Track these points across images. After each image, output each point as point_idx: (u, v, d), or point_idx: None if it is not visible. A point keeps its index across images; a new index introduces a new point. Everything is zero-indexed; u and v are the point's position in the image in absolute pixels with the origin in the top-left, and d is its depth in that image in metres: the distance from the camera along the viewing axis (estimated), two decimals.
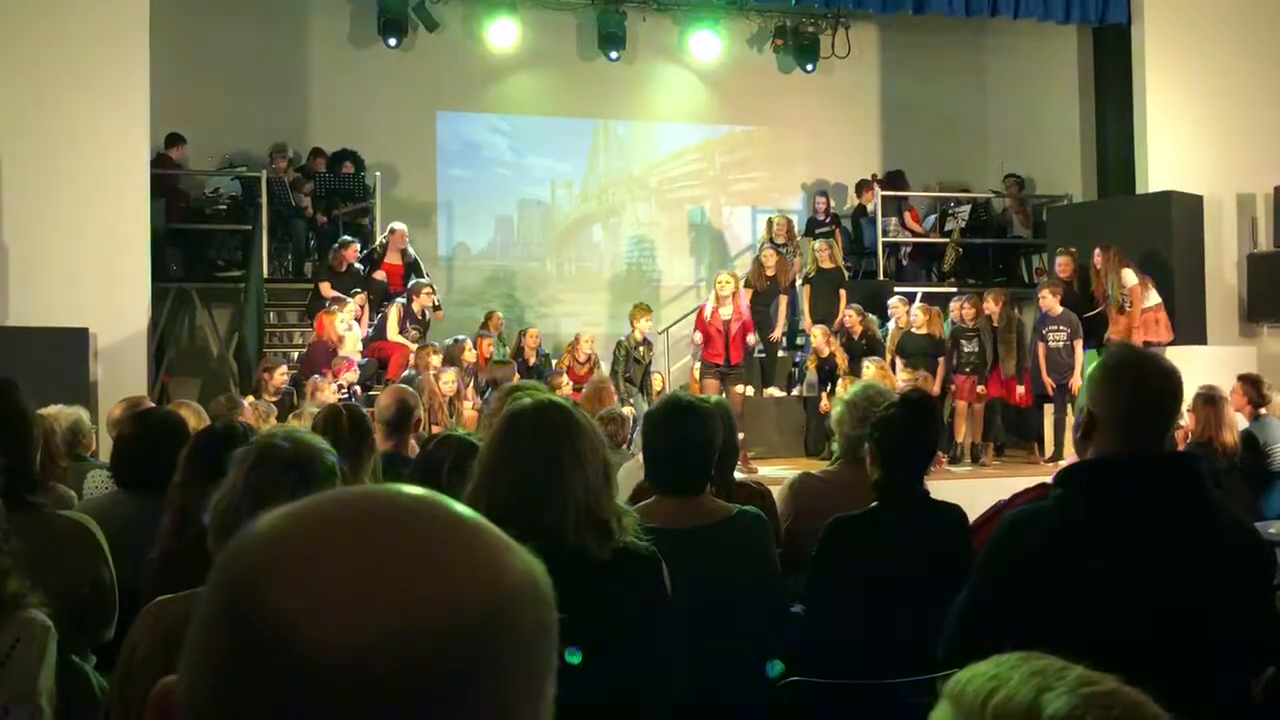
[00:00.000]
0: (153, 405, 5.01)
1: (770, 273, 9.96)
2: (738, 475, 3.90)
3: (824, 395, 9.26)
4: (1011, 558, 1.96)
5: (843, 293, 10.14)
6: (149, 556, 2.45)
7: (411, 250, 10.26)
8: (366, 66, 11.87)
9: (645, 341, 9.67)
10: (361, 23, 11.94)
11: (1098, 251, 9.12)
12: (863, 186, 12.41)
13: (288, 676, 0.53)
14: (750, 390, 9.29)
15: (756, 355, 9.69)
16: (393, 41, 11.75)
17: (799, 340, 10.63)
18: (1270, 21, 10.50)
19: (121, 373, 8.01)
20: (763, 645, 2.67)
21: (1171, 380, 2.01)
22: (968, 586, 2.01)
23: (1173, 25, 10.35)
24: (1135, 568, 1.87)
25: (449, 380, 8.01)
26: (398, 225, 10.20)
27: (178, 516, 2.44)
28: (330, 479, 1.90)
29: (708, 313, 8.92)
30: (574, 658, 1.67)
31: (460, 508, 0.62)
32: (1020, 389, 9.23)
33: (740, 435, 8.40)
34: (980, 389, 9.17)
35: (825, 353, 9.43)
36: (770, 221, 11.05)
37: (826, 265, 10.21)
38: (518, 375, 8.66)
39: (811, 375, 9.90)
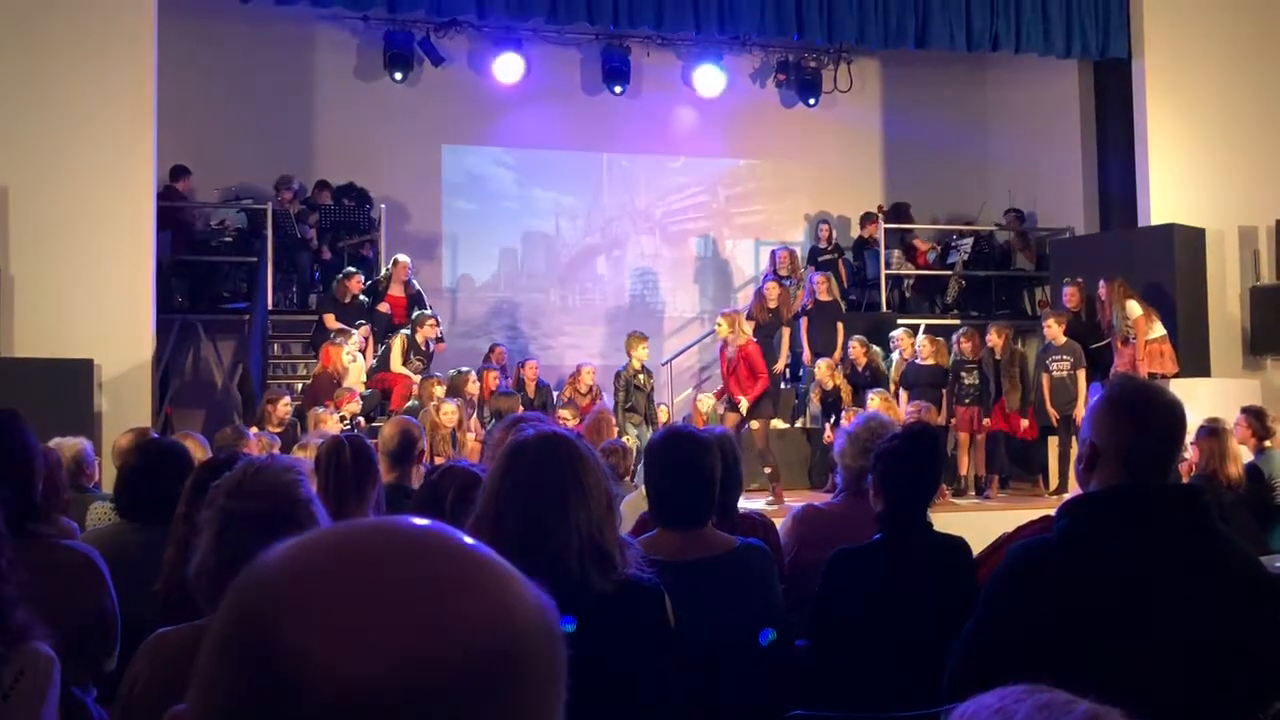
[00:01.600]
0: (157, 436, 5.02)
1: (773, 305, 9.98)
2: (769, 506, 3.89)
3: (828, 427, 9.26)
4: (1016, 590, 1.95)
5: (840, 325, 10.15)
6: (152, 588, 2.45)
7: (415, 282, 10.30)
8: (372, 100, 11.94)
9: (644, 370, 9.70)
10: (368, 56, 12.03)
11: (1103, 283, 9.13)
12: (866, 219, 12.44)
13: (301, 710, 0.54)
14: (757, 424, 9.27)
15: None
16: (399, 75, 11.84)
17: (800, 372, 10.63)
18: (1271, 55, 10.55)
19: (125, 404, 8.00)
20: (765, 678, 2.66)
21: (1174, 412, 2.02)
22: (972, 619, 2.00)
23: (1173, 59, 10.39)
24: (1140, 600, 1.86)
25: (449, 411, 8.00)
26: (401, 257, 10.25)
27: (181, 549, 2.43)
28: (307, 509, 1.90)
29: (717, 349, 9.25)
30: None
31: (468, 540, 0.62)
32: (1024, 423, 9.22)
33: (767, 470, 8.49)
34: (985, 420, 9.16)
35: (829, 385, 9.44)
36: (773, 254, 11.08)
37: (824, 298, 10.23)
38: (522, 407, 8.66)
39: (815, 407, 9.88)
